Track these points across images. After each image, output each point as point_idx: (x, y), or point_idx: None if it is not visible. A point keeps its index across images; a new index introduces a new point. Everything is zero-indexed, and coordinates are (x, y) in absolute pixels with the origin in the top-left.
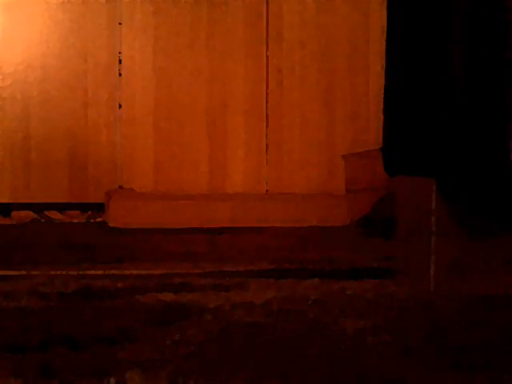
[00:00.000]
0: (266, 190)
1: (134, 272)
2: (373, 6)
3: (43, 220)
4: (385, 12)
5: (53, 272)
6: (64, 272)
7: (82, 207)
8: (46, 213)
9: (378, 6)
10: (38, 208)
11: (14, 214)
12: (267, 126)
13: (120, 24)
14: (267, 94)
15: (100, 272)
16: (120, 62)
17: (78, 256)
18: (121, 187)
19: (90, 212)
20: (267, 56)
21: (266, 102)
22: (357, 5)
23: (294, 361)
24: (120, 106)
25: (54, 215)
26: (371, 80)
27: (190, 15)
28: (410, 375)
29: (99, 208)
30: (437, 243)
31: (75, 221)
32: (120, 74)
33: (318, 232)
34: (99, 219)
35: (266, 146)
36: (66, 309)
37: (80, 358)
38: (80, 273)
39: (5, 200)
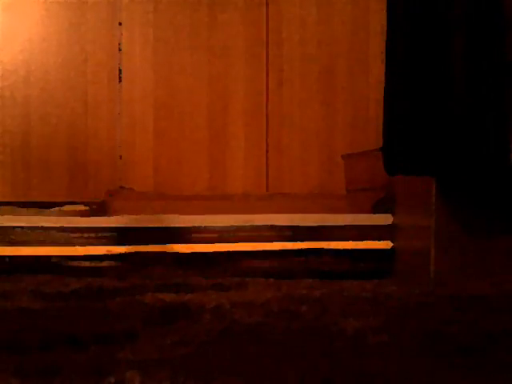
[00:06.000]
0: (266, 190)
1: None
2: (373, 6)
3: None
4: (385, 12)
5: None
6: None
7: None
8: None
9: (378, 6)
10: (38, 207)
11: None
12: (267, 125)
13: (120, 24)
14: (267, 93)
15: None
16: (120, 61)
17: None
18: (121, 187)
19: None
20: (267, 56)
21: (266, 102)
22: (357, 5)
23: (293, 361)
24: (120, 106)
25: None
26: (371, 80)
27: (189, 15)
28: (410, 375)
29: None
30: (437, 243)
31: None
32: (120, 74)
33: None
34: None
35: (266, 145)
36: (66, 309)
37: (80, 358)
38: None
39: (5, 199)
